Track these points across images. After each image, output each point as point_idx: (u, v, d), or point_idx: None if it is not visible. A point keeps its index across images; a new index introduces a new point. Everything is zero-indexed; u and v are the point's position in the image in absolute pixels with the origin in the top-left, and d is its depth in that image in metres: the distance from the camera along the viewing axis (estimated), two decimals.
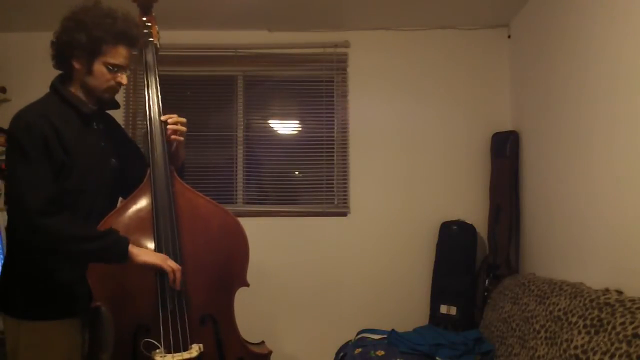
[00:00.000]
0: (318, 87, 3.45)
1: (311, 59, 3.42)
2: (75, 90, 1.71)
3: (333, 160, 3.42)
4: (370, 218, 3.34)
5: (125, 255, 1.59)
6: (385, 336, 2.74)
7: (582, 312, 1.89)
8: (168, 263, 1.63)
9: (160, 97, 1.85)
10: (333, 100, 3.44)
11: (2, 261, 1.73)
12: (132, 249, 1.61)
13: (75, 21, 1.65)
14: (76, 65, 1.67)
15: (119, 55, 1.70)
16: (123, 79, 1.74)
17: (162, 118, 1.82)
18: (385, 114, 3.38)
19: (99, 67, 1.68)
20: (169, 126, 1.80)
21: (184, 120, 1.85)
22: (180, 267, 1.65)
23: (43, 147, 1.56)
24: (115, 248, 1.59)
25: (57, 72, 1.74)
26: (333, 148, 3.42)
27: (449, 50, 3.38)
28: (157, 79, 1.87)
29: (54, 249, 1.59)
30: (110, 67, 1.69)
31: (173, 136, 1.80)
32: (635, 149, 1.91)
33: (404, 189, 3.35)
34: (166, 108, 1.87)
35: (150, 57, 1.88)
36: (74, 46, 1.64)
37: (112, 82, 1.72)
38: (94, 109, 1.74)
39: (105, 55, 1.67)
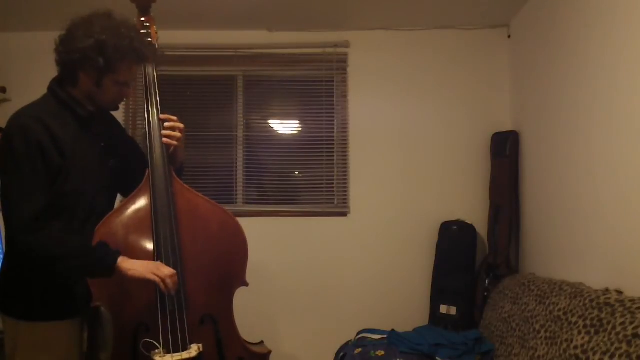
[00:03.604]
0: (318, 87, 3.45)
1: (311, 59, 3.41)
2: (76, 93, 1.69)
3: (333, 160, 3.42)
4: (370, 218, 3.34)
5: (110, 272, 1.57)
6: (385, 336, 2.73)
7: (582, 312, 1.89)
8: (157, 273, 1.59)
9: (159, 98, 1.85)
10: (333, 100, 3.43)
11: (1, 262, 1.73)
12: (122, 264, 1.58)
13: (94, 39, 1.59)
14: (84, 78, 1.66)
15: (131, 73, 1.71)
16: (129, 92, 1.77)
17: (161, 116, 1.82)
18: (385, 114, 3.38)
19: (107, 83, 1.67)
20: (163, 131, 1.79)
21: (181, 126, 1.82)
22: (174, 272, 1.62)
23: (37, 152, 1.55)
24: (101, 265, 1.58)
25: (57, 72, 1.72)
26: (333, 148, 3.42)
27: (449, 50, 3.38)
28: (157, 80, 1.87)
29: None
30: (119, 83, 1.70)
31: (165, 139, 1.78)
32: (635, 149, 1.91)
33: (404, 189, 3.34)
34: (166, 108, 1.86)
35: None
36: (88, 63, 1.62)
37: (118, 96, 1.74)
38: (92, 110, 1.73)
39: (117, 74, 1.66)
